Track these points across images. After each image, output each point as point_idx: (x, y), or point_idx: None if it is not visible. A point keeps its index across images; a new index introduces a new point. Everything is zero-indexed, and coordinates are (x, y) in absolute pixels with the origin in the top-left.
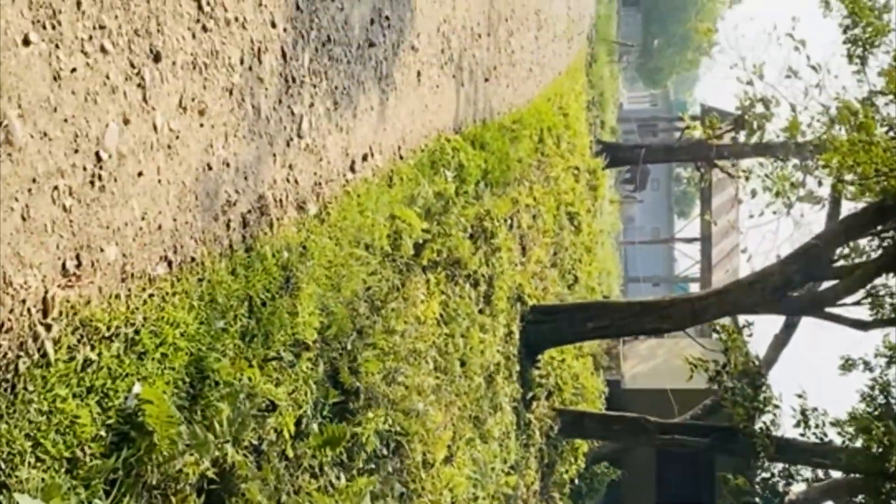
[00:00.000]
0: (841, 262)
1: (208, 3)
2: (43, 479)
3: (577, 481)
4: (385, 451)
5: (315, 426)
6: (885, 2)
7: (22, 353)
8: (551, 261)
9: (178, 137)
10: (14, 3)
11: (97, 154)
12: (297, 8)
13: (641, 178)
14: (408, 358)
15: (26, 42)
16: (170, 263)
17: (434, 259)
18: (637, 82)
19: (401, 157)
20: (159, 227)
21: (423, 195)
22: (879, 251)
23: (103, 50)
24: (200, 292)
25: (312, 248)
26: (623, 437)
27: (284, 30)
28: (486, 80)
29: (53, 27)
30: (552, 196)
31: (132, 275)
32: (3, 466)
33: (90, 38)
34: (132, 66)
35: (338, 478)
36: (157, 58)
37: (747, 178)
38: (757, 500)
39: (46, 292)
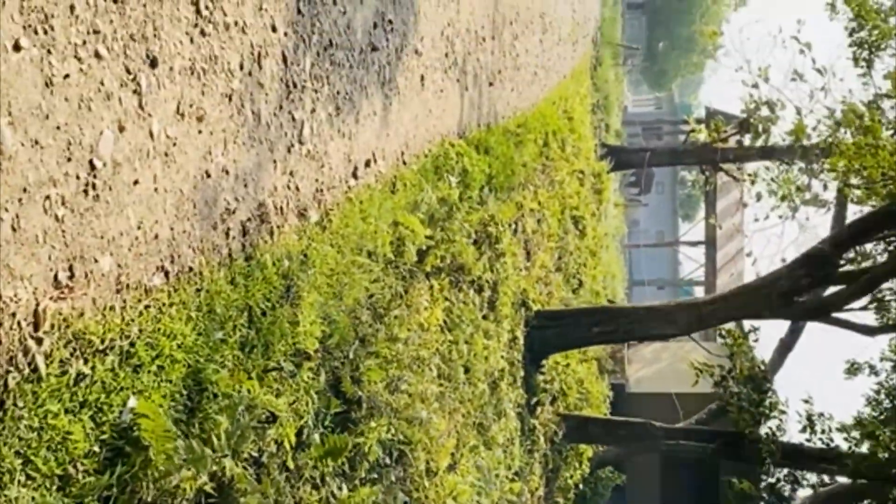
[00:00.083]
0: (847, 267)
1: (207, 7)
2: (34, 498)
3: (581, 486)
4: (388, 461)
5: (316, 437)
6: (892, 4)
7: (11, 368)
8: (556, 265)
9: (175, 144)
10: (4, 7)
11: (91, 162)
12: (299, 12)
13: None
14: (411, 365)
15: (17, 47)
16: (167, 274)
17: (438, 265)
18: (642, 85)
19: (404, 163)
20: (156, 237)
21: (427, 201)
22: (886, 255)
23: (98, 55)
24: (198, 303)
25: (314, 255)
26: (628, 443)
27: (285, 34)
28: (491, 83)
29: (45, 32)
30: (557, 200)
31: (127, 286)
32: None
33: (84, 43)
34: (128, 71)
35: (340, 488)
36: (153, 63)
37: (752, 182)
38: None
39: (37, 305)
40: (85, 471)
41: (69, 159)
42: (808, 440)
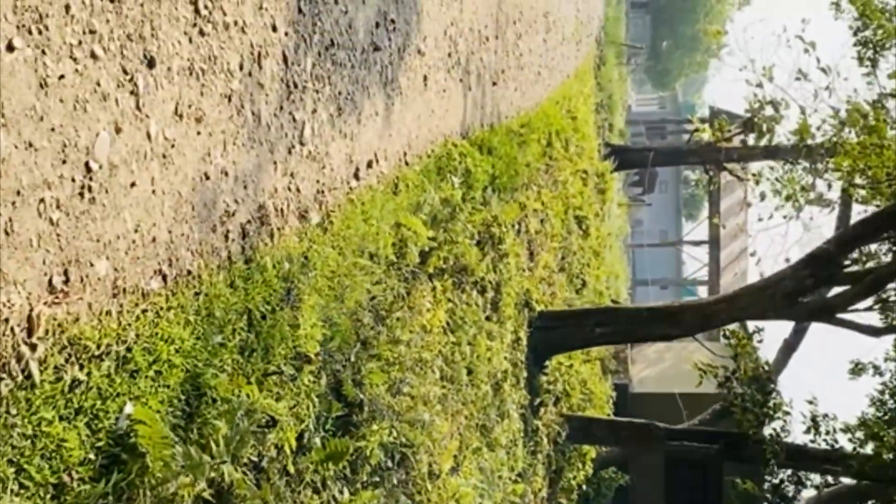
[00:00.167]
0: (852, 268)
1: (206, 7)
2: None
3: (584, 487)
4: (390, 464)
5: (317, 440)
6: None
7: (4, 375)
8: (559, 265)
9: (173, 146)
10: None
11: (87, 164)
12: (300, 11)
13: (650, 181)
14: (413, 368)
15: (10, 48)
16: (164, 277)
17: (440, 266)
18: (645, 85)
19: (406, 164)
20: (153, 240)
21: (430, 202)
22: (891, 256)
23: (94, 56)
24: (197, 306)
25: (315, 258)
26: (631, 444)
27: (286, 34)
28: (494, 83)
29: (40, 32)
30: (560, 200)
31: (124, 290)
32: None
33: (79, 43)
34: (125, 72)
35: (341, 492)
36: (151, 63)
37: (757, 182)
38: None
39: (31, 310)
40: (80, 479)
41: (64, 161)
42: (813, 441)
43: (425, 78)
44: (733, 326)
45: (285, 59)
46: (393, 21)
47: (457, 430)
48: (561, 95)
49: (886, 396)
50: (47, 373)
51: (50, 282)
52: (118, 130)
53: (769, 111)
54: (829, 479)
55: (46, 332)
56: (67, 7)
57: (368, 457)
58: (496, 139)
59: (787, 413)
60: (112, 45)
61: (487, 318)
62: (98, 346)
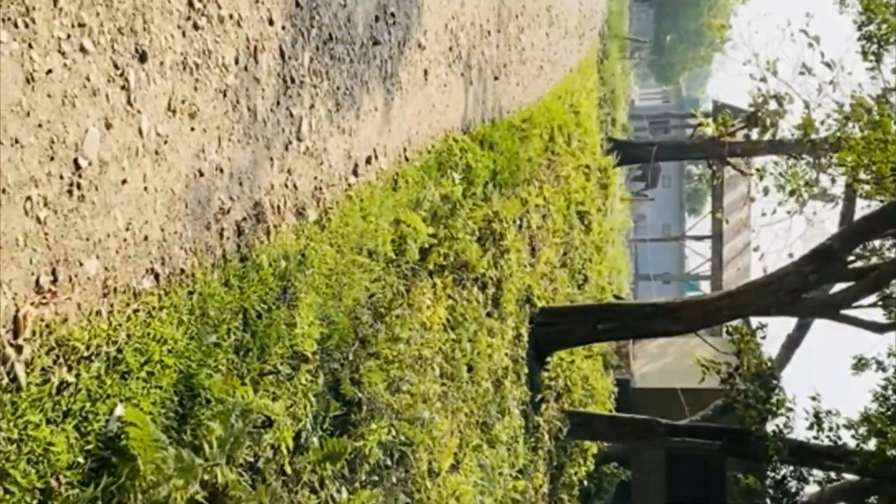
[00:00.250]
0: (856, 264)
1: (200, 0)
2: None
3: (586, 482)
4: (389, 462)
5: (315, 440)
6: None
7: None
8: (561, 261)
9: (166, 142)
10: None
11: (76, 161)
12: (297, 5)
13: (653, 176)
14: (413, 365)
15: None
16: (157, 276)
17: (440, 263)
18: (649, 79)
19: (406, 159)
20: (145, 238)
21: (430, 198)
22: (895, 252)
23: (83, 50)
24: (191, 306)
25: (312, 255)
26: (633, 440)
27: (283, 28)
28: (496, 78)
29: (27, 25)
30: (562, 195)
31: (115, 289)
32: None
33: (68, 36)
34: (115, 66)
35: (339, 492)
36: (142, 58)
37: (760, 176)
38: (768, 500)
39: (17, 311)
40: (68, 483)
41: (52, 158)
42: (816, 437)
43: (426, 72)
44: (736, 322)
45: (282, 54)
46: (393, 15)
47: (457, 427)
48: (563, 90)
49: (890, 392)
50: (34, 375)
51: (37, 282)
52: (108, 126)
53: (773, 106)
54: (832, 475)
55: (33, 333)
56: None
57: (367, 456)
58: (498, 134)
59: (790, 409)
60: (102, 39)
61: (488, 315)
62: (87, 347)
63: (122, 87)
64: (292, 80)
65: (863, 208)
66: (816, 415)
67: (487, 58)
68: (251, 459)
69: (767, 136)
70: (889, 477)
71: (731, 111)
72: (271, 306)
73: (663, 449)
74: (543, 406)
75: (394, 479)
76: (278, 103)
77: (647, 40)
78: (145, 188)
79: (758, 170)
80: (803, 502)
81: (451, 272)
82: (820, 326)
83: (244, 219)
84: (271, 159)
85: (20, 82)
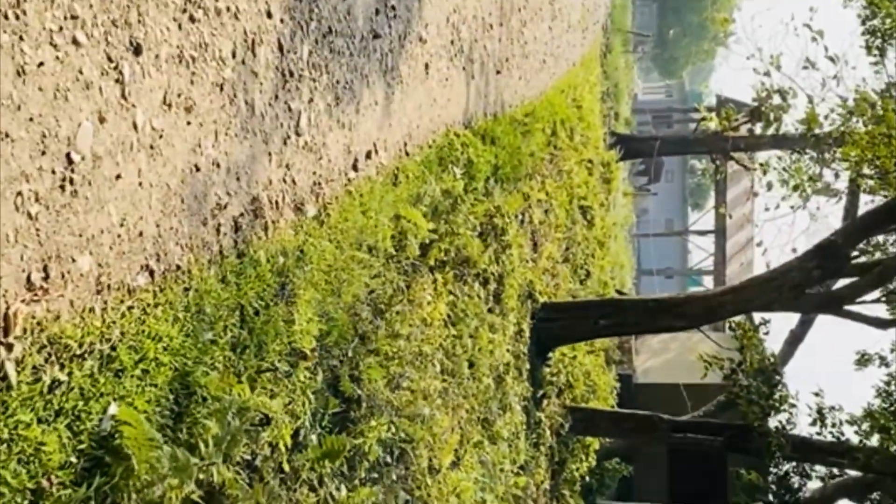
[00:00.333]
0: (860, 259)
1: None
2: None
3: (587, 478)
4: (389, 459)
5: (314, 438)
6: None
7: None
8: (563, 256)
9: (161, 137)
10: None
11: (68, 156)
12: None
13: (656, 170)
14: (413, 362)
15: None
16: (152, 273)
17: (441, 259)
18: (652, 73)
19: (407, 154)
20: (140, 234)
21: (430, 193)
22: None
23: (75, 42)
24: (186, 303)
25: (311, 251)
26: (635, 436)
27: (281, 20)
28: (498, 72)
29: (17, 17)
30: (565, 190)
31: (108, 286)
32: None
33: (60, 29)
34: (109, 59)
35: (338, 489)
36: (137, 51)
37: (764, 171)
38: (770, 497)
39: (7, 308)
40: (60, 483)
41: (43, 153)
42: (818, 433)
43: (427, 66)
44: (739, 318)
45: (281, 47)
46: (393, 8)
47: (458, 423)
48: (566, 84)
49: (893, 388)
50: (25, 373)
51: (28, 278)
52: (102, 120)
53: (776, 100)
54: (835, 471)
55: (24, 330)
56: None
57: (367, 453)
58: (499, 128)
59: (793, 405)
60: (96, 32)
61: (490, 311)
62: (80, 345)
63: (117, 81)
64: (291, 74)
65: (866, 203)
66: (819, 411)
67: (490, 51)
68: (248, 458)
69: (771, 131)
70: (892, 473)
71: (734, 106)
72: (269, 303)
73: (665, 445)
74: (545, 402)
75: (394, 477)
76: (276, 97)
77: (651, 34)
78: (140, 183)
79: (761, 165)
80: (806, 498)
81: (452, 268)
82: (823, 322)
83: (241, 214)
84: (269, 154)
85: (11, 75)
